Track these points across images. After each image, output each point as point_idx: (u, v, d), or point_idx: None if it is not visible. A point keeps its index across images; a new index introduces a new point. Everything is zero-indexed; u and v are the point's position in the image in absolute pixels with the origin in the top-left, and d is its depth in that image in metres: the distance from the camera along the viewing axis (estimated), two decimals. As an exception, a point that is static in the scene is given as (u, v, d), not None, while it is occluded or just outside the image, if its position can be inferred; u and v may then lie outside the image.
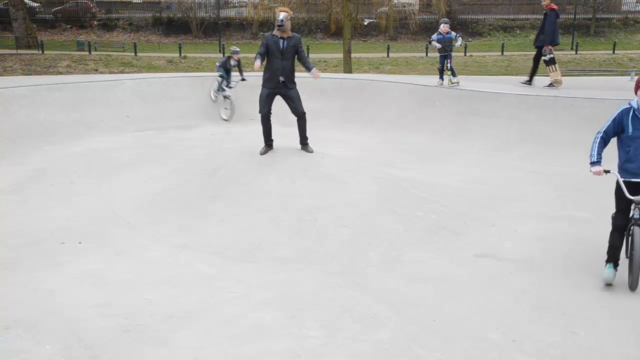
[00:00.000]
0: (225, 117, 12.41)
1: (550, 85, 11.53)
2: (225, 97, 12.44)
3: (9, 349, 3.90)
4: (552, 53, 11.29)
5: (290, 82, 7.07)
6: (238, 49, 12.74)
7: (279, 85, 7.03)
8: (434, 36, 11.56)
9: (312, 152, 7.27)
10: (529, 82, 11.86)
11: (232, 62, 12.40)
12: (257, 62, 6.97)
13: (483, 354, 3.92)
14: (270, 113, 7.19)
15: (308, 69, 7.11)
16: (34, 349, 3.91)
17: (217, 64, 12.77)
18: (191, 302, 4.62)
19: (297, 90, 7.15)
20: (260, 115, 7.13)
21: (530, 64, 12.08)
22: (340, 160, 7.50)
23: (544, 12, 11.25)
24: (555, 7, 11.16)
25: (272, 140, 7.35)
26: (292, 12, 7.21)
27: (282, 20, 6.86)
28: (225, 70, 12.35)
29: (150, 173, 8.04)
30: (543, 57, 11.31)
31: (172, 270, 5.22)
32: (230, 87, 12.34)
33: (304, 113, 7.18)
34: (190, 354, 3.90)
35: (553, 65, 11.43)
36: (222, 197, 6.55)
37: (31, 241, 5.85)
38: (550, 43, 11.17)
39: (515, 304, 4.62)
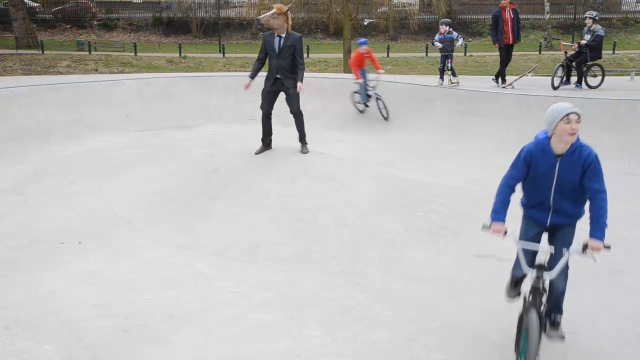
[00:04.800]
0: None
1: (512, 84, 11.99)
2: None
3: (9, 349, 3.90)
4: None
5: (287, 81, 7.00)
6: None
7: (276, 82, 7.02)
8: (436, 36, 11.60)
9: (306, 152, 7.24)
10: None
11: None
12: (247, 81, 7.06)
13: (483, 354, 3.92)
14: (271, 112, 7.16)
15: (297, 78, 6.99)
16: (34, 349, 3.91)
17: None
18: (191, 302, 4.62)
19: (296, 89, 7.11)
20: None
21: (529, 64, 12.13)
22: (340, 160, 7.50)
23: (515, 9, 11.64)
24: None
25: (269, 139, 7.31)
26: (282, 9, 6.96)
27: (258, 20, 6.86)
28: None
29: (150, 173, 8.04)
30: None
31: (172, 270, 5.22)
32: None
33: (299, 112, 7.11)
34: (190, 354, 3.89)
35: None
36: (222, 197, 6.55)
37: (31, 241, 5.85)
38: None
39: (515, 304, 4.61)
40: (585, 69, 11.26)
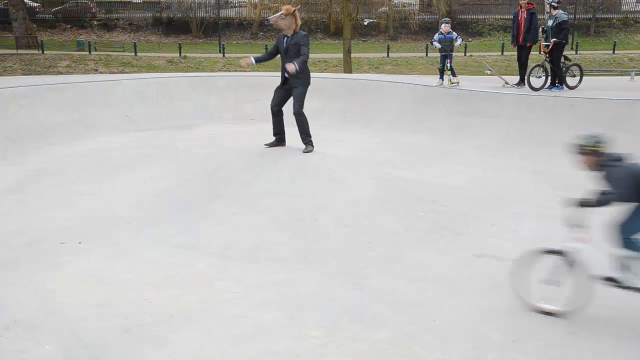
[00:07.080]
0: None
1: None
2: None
3: (9, 349, 3.90)
4: None
5: (294, 81, 7.09)
6: None
7: (287, 81, 7.18)
8: (436, 36, 11.59)
9: (307, 152, 7.28)
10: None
11: None
12: (249, 59, 7.31)
13: (483, 354, 3.91)
14: (278, 109, 7.28)
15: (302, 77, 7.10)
16: (34, 349, 3.91)
17: None
18: (191, 302, 4.62)
19: (301, 89, 7.16)
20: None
21: (528, 63, 12.01)
22: (340, 160, 7.50)
23: (529, 10, 11.39)
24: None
25: (279, 135, 7.43)
26: (289, 10, 7.09)
27: (268, 21, 7.14)
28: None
29: (150, 173, 8.04)
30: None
31: (172, 270, 5.22)
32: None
33: (299, 113, 7.17)
34: (190, 354, 3.89)
35: None
36: (222, 197, 6.56)
37: (31, 241, 5.85)
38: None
39: (515, 304, 4.62)
40: (564, 69, 11.15)
